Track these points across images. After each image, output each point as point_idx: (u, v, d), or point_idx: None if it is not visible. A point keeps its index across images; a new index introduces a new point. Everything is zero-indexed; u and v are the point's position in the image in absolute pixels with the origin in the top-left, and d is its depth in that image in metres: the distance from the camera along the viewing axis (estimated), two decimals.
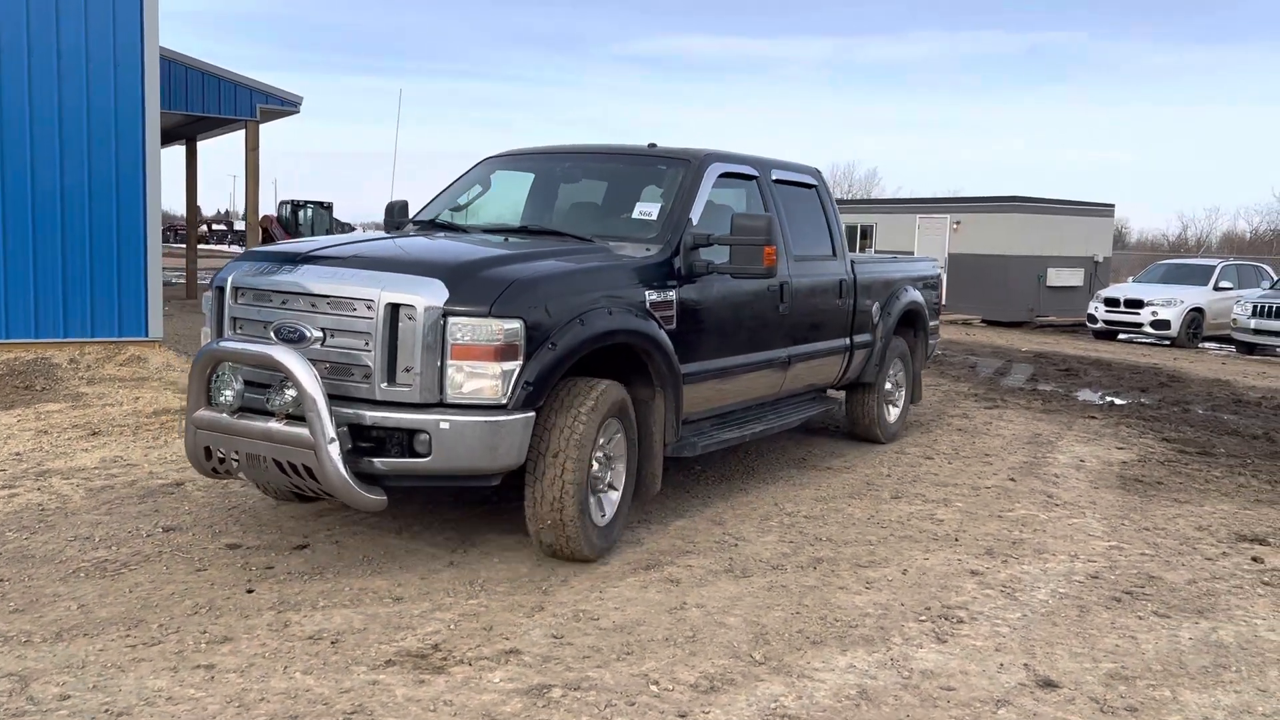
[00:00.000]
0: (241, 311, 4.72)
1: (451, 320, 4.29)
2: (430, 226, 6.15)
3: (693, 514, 5.82)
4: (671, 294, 5.31)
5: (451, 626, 4.03)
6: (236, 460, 4.46)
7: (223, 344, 4.51)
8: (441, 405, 4.30)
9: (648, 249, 5.42)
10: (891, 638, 4.14)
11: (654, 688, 3.59)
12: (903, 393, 8.54)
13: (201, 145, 21.04)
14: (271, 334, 4.55)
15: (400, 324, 4.32)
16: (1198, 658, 4.09)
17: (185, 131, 20.25)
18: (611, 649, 3.89)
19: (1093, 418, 9.89)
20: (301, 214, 24.67)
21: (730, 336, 5.90)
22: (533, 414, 4.46)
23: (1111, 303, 20.25)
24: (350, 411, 4.28)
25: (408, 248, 5.09)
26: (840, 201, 29.85)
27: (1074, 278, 24.29)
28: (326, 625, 3.98)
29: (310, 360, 4.29)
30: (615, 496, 5.05)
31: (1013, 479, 7.12)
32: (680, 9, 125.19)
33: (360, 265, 4.58)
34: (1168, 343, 19.40)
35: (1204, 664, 4.03)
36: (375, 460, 4.29)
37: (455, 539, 5.13)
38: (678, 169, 5.97)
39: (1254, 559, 5.47)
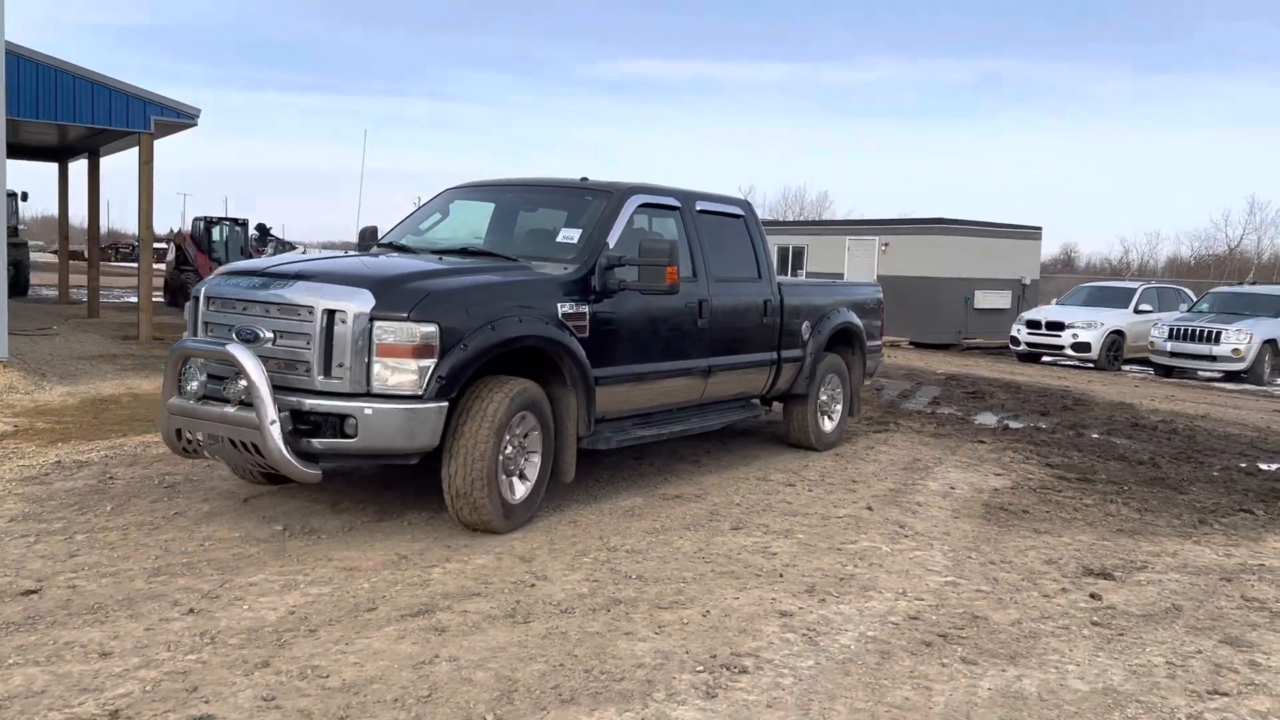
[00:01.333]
0: (212, 317, 5.55)
1: (377, 324, 5.08)
2: (390, 248, 6.87)
3: (504, 550, 5.37)
4: (584, 307, 6.04)
5: (149, 687, 3.54)
6: (201, 440, 5.27)
7: (188, 343, 5.43)
8: (368, 395, 5.08)
9: (565, 268, 6.13)
10: (655, 693, 3.71)
11: None
12: (839, 405, 8.99)
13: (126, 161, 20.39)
14: (233, 335, 5.34)
15: (335, 327, 5.10)
16: (989, 712, 3.71)
17: (88, 144, 19.61)
18: (325, 713, 3.43)
19: (981, 442, 9.59)
20: (216, 231, 24.07)
21: (646, 346, 6.59)
22: (445, 404, 5.21)
23: (1034, 325, 20.15)
24: (294, 399, 5.06)
25: (351, 265, 5.74)
26: (772, 223, 29.84)
27: (1002, 300, 24.23)
28: None
29: (263, 357, 5.10)
30: (531, 479, 5.80)
31: (870, 508, 6.76)
32: (641, 34, 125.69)
33: (305, 279, 5.34)
34: (1090, 365, 19.33)
35: None
36: (314, 440, 5.05)
37: (215, 583, 4.65)
38: (601, 199, 6.71)
39: (1093, 595, 5.12)
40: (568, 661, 3.95)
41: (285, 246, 29.76)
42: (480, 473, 5.31)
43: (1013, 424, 10.99)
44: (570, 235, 6.47)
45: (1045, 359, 20.22)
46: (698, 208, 7.42)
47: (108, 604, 4.31)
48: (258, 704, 3.46)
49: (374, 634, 4.12)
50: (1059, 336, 19.55)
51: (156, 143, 16.47)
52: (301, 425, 5.05)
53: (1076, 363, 19.61)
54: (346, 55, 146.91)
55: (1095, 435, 10.44)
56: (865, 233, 25.32)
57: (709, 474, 7.56)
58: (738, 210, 7.98)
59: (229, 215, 25.98)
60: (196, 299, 5.68)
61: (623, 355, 6.37)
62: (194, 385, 5.29)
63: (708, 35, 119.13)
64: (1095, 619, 4.78)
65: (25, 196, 25.28)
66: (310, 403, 5.04)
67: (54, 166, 23.32)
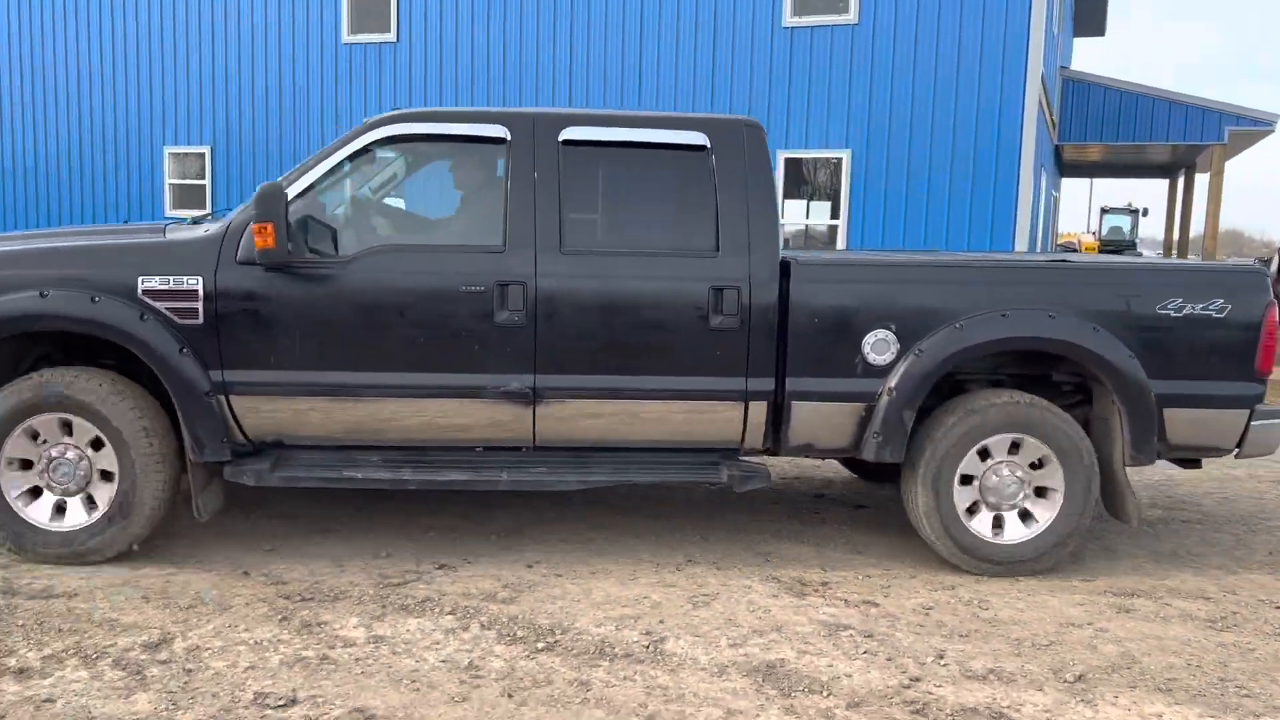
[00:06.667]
0: None
1: None
2: None
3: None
4: (194, 281, 4.62)
5: None
6: None
7: None
8: None
9: (207, 229, 4.82)
10: None
11: None
12: (1053, 496, 4.75)
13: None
14: None
15: None
16: None
17: (1182, 159, 20.70)
18: None
19: None
20: (1106, 219, 22.71)
21: (361, 344, 4.74)
22: None
23: None
24: None
25: None
26: None
27: None
28: None
29: None
30: (97, 511, 4.59)
31: None
32: None
33: None
34: None
35: None
36: None
37: None
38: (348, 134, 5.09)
39: None
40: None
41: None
42: None
43: None
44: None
45: None
46: (564, 137, 4.90)
47: None
48: None
49: None
50: None
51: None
52: None
53: None
54: None
55: None
56: None
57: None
58: (694, 139, 5.03)
59: (1129, 205, 25.37)
60: None
61: (304, 353, 4.69)
62: None
63: None
64: None
65: (1145, 212, 27.04)
66: None
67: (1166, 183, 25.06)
